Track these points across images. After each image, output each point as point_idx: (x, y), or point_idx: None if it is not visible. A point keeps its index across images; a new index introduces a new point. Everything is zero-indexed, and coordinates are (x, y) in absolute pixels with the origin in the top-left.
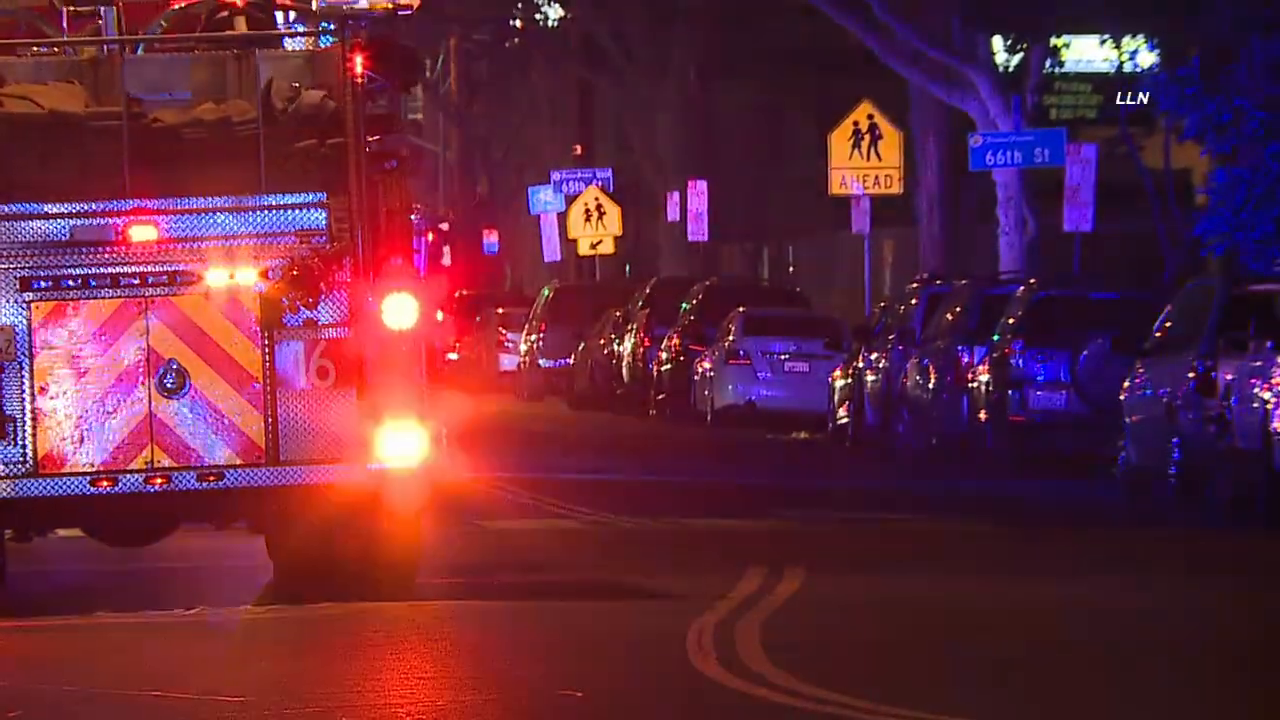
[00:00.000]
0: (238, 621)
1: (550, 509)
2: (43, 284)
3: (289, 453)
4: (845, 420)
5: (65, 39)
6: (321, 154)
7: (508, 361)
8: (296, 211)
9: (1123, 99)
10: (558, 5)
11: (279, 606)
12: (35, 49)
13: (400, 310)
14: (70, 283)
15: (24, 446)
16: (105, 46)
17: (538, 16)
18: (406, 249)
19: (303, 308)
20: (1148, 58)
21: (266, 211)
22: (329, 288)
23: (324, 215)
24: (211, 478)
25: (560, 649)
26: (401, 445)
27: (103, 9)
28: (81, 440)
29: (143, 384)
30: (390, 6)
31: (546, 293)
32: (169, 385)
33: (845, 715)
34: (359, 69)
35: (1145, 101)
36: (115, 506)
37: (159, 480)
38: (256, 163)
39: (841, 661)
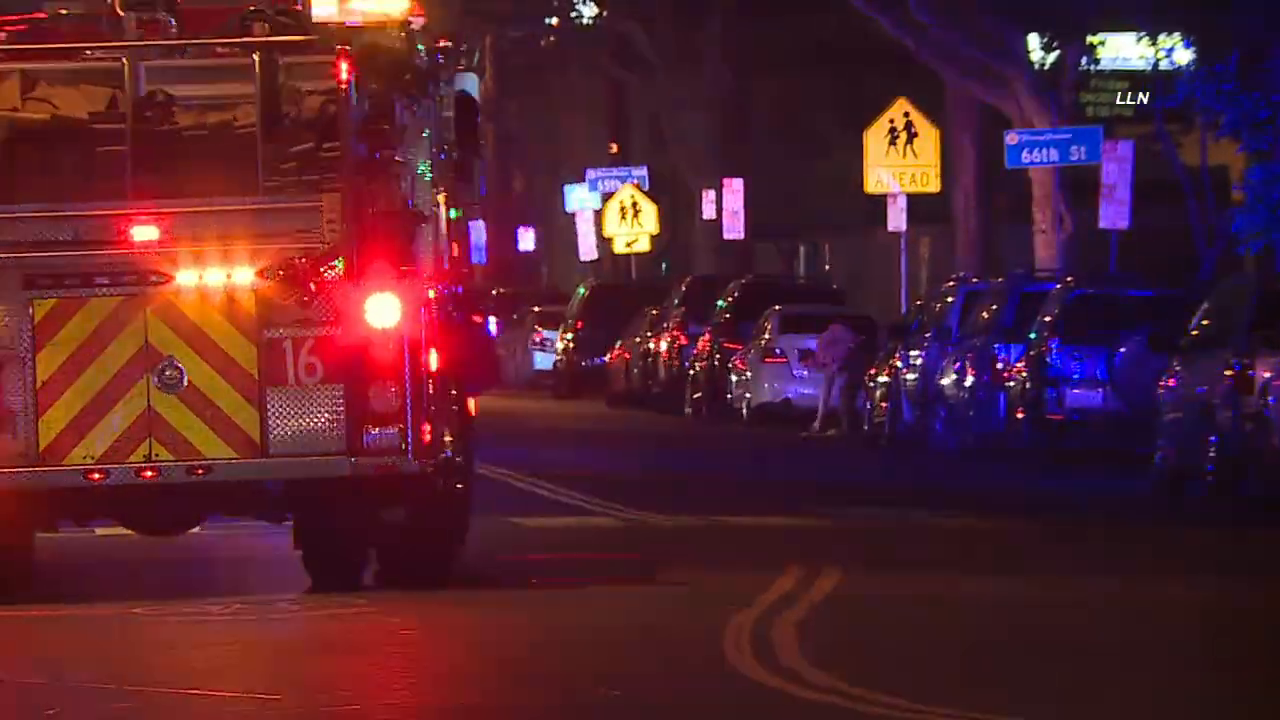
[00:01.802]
0: (273, 616)
1: (586, 506)
2: (46, 282)
3: (278, 446)
4: (882, 419)
5: (87, 45)
6: (318, 157)
7: (543, 360)
8: (292, 213)
9: (1158, 96)
10: (593, 3)
11: (313, 601)
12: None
13: (383, 309)
14: (72, 281)
15: (26, 440)
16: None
17: (573, 14)
18: (394, 250)
19: (294, 306)
20: (1184, 55)
21: (263, 213)
22: (320, 287)
23: (318, 217)
24: (200, 470)
25: (597, 647)
26: (387, 440)
27: (169, 17)
28: (82, 434)
29: (142, 380)
30: (391, 18)
31: (582, 291)
32: (167, 381)
33: (882, 714)
34: (345, 75)
35: (1181, 99)
36: (117, 498)
37: (149, 472)
38: (255, 165)
39: (878, 659)
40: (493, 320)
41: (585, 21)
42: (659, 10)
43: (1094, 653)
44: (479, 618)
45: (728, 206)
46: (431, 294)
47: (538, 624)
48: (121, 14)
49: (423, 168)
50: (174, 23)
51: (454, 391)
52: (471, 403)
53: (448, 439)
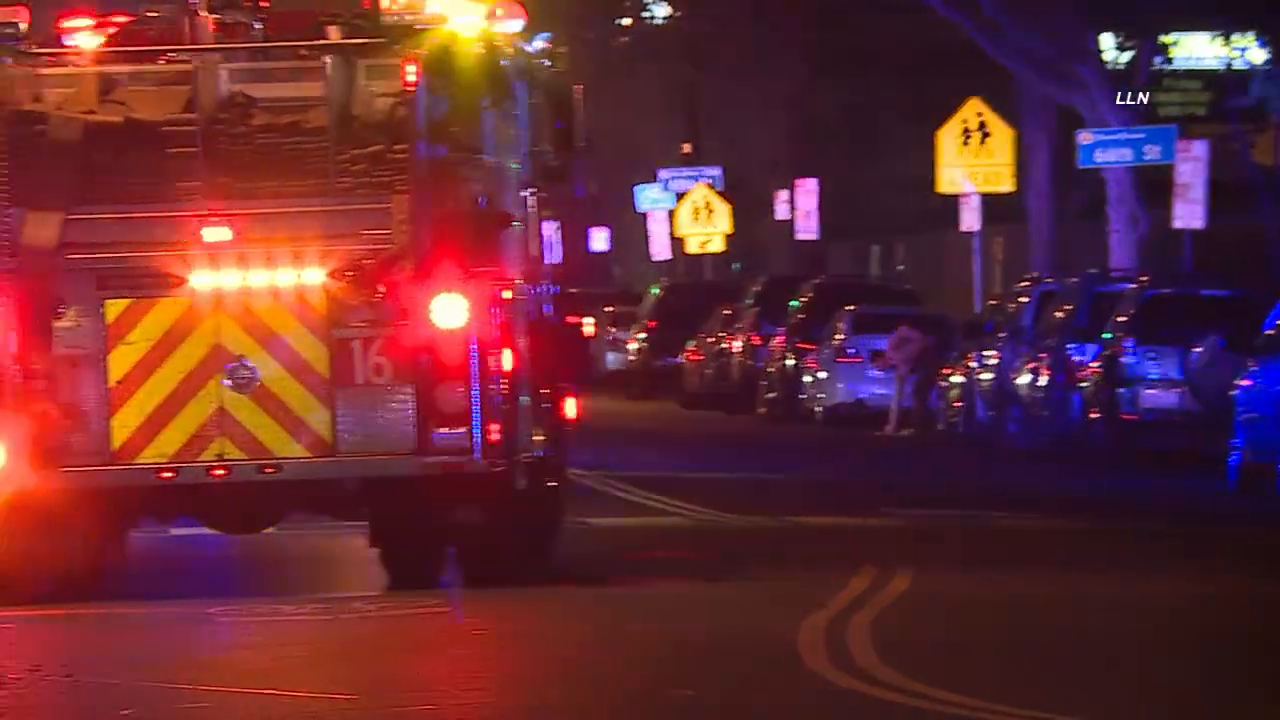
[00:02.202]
0: (347, 616)
1: (660, 507)
2: (118, 283)
3: (347, 446)
4: (956, 419)
5: (161, 48)
6: (389, 159)
7: (614, 360)
8: (362, 214)
9: (1232, 96)
10: (665, 4)
11: (387, 601)
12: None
13: (450, 309)
14: (145, 282)
15: (99, 439)
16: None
17: (645, 15)
18: (462, 251)
19: (364, 307)
20: (1258, 54)
21: (334, 214)
22: (388, 288)
23: (387, 218)
24: (270, 469)
25: (670, 647)
26: (453, 439)
27: (254, 20)
28: (154, 433)
29: (213, 379)
30: (464, 20)
31: (655, 291)
32: (239, 381)
33: (957, 714)
34: (412, 77)
35: (1255, 98)
36: (191, 496)
37: (220, 471)
38: (326, 167)
39: (953, 660)
40: (589, 321)
41: (658, 22)
42: (733, 11)
43: (1171, 653)
44: (552, 618)
45: (801, 207)
46: (510, 294)
47: (610, 624)
48: (205, 16)
49: (511, 168)
50: (257, 26)
51: (544, 391)
52: (571, 403)
53: (538, 439)
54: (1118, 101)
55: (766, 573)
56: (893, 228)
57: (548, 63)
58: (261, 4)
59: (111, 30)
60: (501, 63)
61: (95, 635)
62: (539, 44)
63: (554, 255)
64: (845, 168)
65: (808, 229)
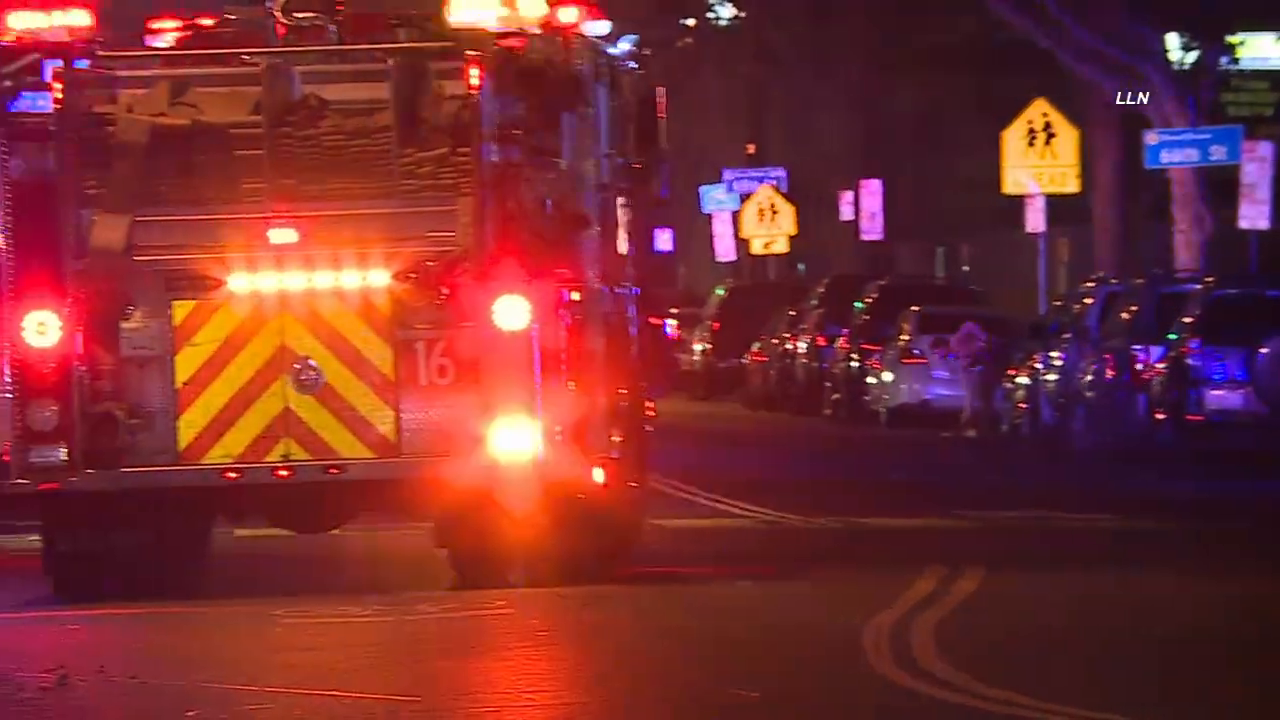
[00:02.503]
0: (411, 617)
1: (724, 508)
2: (186, 284)
3: (409, 446)
4: (1021, 419)
5: (229, 50)
6: (454, 162)
7: (679, 361)
8: (426, 217)
9: None
10: (730, 5)
11: (452, 601)
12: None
13: (512, 311)
14: (212, 283)
15: (166, 439)
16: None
17: (709, 15)
18: (525, 253)
19: (427, 308)
20: None
21: (398, 216)
22: (451, 290)
23: (451, 221)
24: (335, 470)
25: (734, 648)
26: (514, 440)
27: (330, 25)
28: (221, 434)
29: (279, 380)
30: (531, 23)
31: (720, 292)
32: (304, 381)
33: (1024, 716)
34: (475, 80)
35: None
36: (257, 496)
37: (283, 472)
38: (392, 170)
39: (1020, 662)
40: (671, 323)
41: (722, 23)
42: (798, 11)
43: (1238, 654)
44: (617, 618)
45: (865, 208)
46: (578, 295)
47: (675, 624)
48: (276, 19)
49: (588, 170)
50: (332, 29)
51: (623, 391)
52: (650, 404)
53: (616, 439)
54: (1183, 102)
55: (832, 574)
56: (958, 228)
57: (632, 65)
58: (337, 6)
59: (187, 33)
60: (575, 66)
61: (161, 636)
62: (624, 47)
63: (638, 257)
64: (911, 168)
65: (872, 230)
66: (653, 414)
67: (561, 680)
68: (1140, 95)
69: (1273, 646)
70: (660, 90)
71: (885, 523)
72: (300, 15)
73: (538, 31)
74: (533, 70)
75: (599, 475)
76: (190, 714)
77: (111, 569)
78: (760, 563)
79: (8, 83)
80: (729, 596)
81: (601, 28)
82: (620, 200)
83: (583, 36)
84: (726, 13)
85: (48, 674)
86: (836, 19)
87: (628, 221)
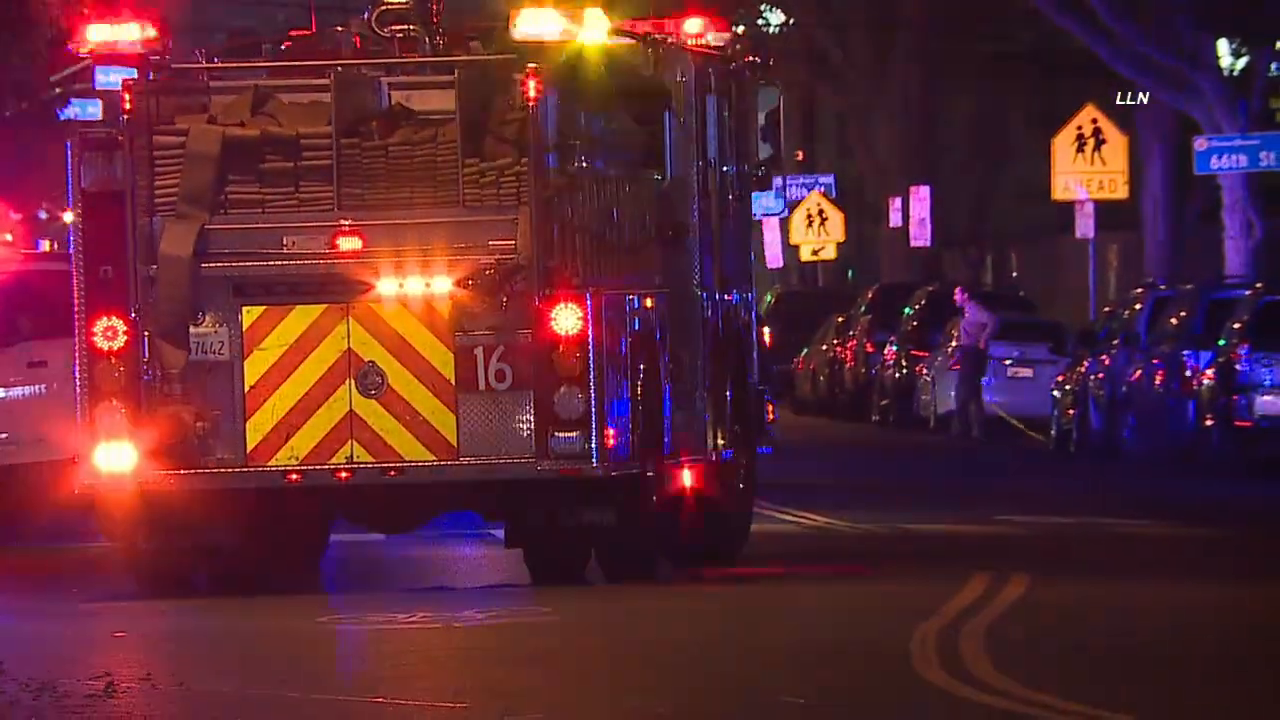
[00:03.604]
0: (458, 625)
1: (772, 513)
2: (254, 290)
3: (469, 449)
4: (1070, 425)
5: (299, 63)
6: (516, 172)
7: None
8: (488, 225)
9: None
10: (780, 11)
11: (499, 610)
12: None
13: (568, 317)
14: (280, 289)
15: (235, 442)
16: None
17: (760, 22)
18: (582, 261)
19: (487, 314)
20: None
21: (461, 225)
22: (511, 297)
23: (512, 229)
24: (393, 472)
25: (781, 654)
26: (570, 444)
27: (426, 37)
28: (287, 436)
29: (344, 384)
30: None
31: (769, 298)
32: (368, 385)
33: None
34: (533, 92)
35: None
36: (347, 498)
37: (344, 474)
38: (456, 179)
39: (1068, 668)
40: (766, 331)
41: (772, 29)
42: (850, 19)
43: None
44: (663, 626)
45: (914, 214)
46: (651, 302)
47: (721, 632)
48: (349, 32)
49: (691, 179)
50: (428, 41)
51: (729, 396)
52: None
53: (720, 442)
54: (1233, 108)
55: (879, 579)
56: (1008, 236)
57: (750, 75)
58: (433, 20)
59: (263, 47)
60: (661, 77)
61: (207, 641)
62: (734, 46)
63: (746, 261)
64: (962, 175)
65: (921, 236)
66: (772, 418)
67: (607, 687)
68: (1190, 100)
69: None
70: (779, 99)
71: (933, 528)
72: (394, 29)
73: (603, 43)
74: (596, 80)
75: (688, 478)
76: None
77: (196, 566)
78: (808, 568)
79: (58, 90)
80: (776, 602)
81: (720, 38)
82: (735, 207)
83: (680, 47)
84: (777, 19)
85: (94, 681)
86: (894, 28)
87: (743, 228)
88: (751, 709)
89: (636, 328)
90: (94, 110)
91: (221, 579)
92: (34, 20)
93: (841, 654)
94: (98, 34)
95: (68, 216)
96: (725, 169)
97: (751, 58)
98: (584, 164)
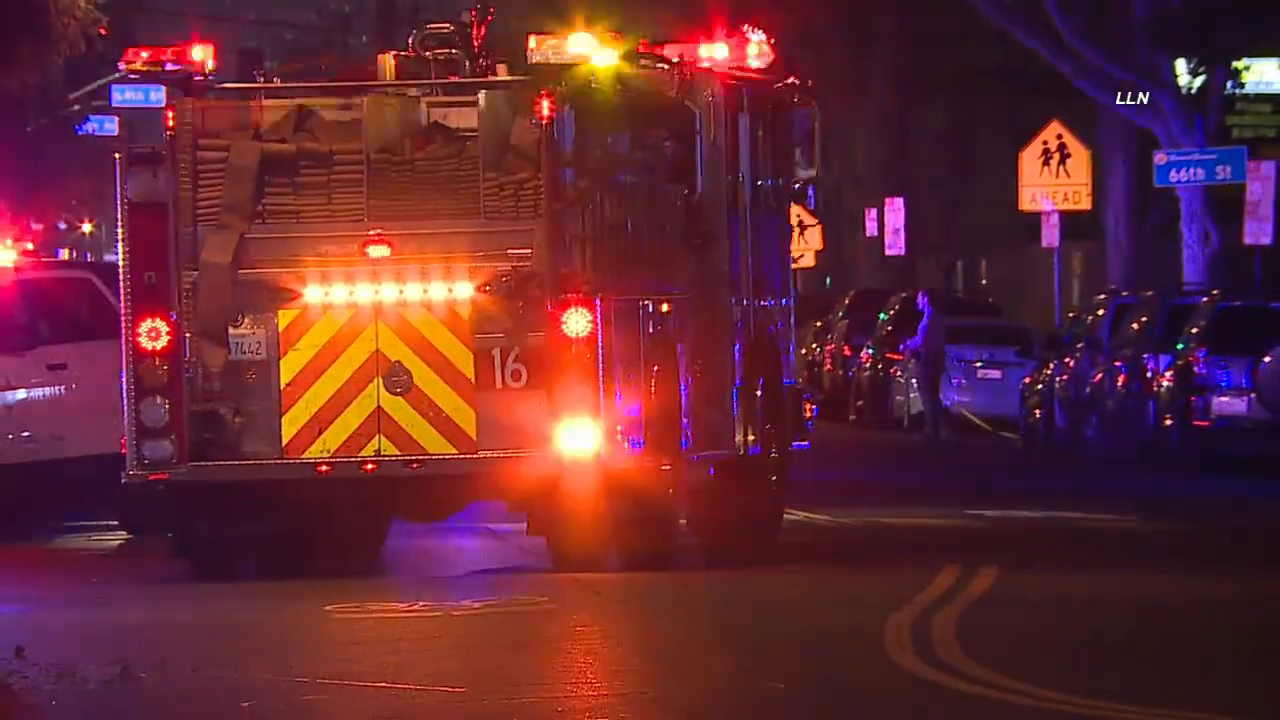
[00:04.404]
0: (457, 614)
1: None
2: (290, 294)
3: (486, 442)
4: (1037, 425)
5: (332, 84)
6: (534, 186)
7: None
8: (506, 235)
9: None
10: (760, 31)
11: (496, 599)
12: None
13: (577, 321)
14: (315, 293)
15: (271, 436)
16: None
17: None
18: (592, 269)
19: (503, 318)
20: None
21: (481, 235)
22: (526, 301)
23: (528, 239)
24: (415, 465)
25: (761, 642)
26: (579, 438)
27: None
28: (320, 431)
29: (373, 382)
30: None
31: None
32: (395, 383)
33: (1042, 708)
34: (546, 111)
35: None
36: (384, 490)
37: (370, 466)
38: (477, 192)
39: (1037, 656)
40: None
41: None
42: (831, 41)
43: (1245, 643)
44: (651, 615)
45: (889, 224)
46: (667, 307)
47: (704, 621)
48: (424, 54)
49: (720, 193)
50: (468, 64)
51: (758, 394)
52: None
53: (749, 438)
54: (1190, 124)
55: (854, 571)
56: (978, 245)
57: (786, 95)
58: (475, 45)
59: (305, 69)
60: (683, 98)
61: (220, 629)
62: (791, 79)
63: (776, 268)
64: (936, 186)
65: (895, 245)
66: (810, 416)
67: (598, 672)
68: (1149, 116)
69: (1273, 638)
70: (816, 116)
71: (906, 522)
72: (437, 51)
73: (617, 66)
74: (609, 100)
75: (710, 471)
76: (245, 705)
77: (245, 554)
78: (786, 559)
79: (76, 107)
80: (755, 592)
81: (763, 60)
82: (771, 220)
83: (710, 71)
84: (757, 37)
85: (111, 667)
86: (870, 48)
87: (778, 239)
88: (734, 693)
89: (651, 330)
90: (111, 126)
91: (270, 567)
92: (53, 37)
93: (817, 641)
94: (149, 54)
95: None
96: (760, 183)
97: (791, 80)
98: (598, 178)
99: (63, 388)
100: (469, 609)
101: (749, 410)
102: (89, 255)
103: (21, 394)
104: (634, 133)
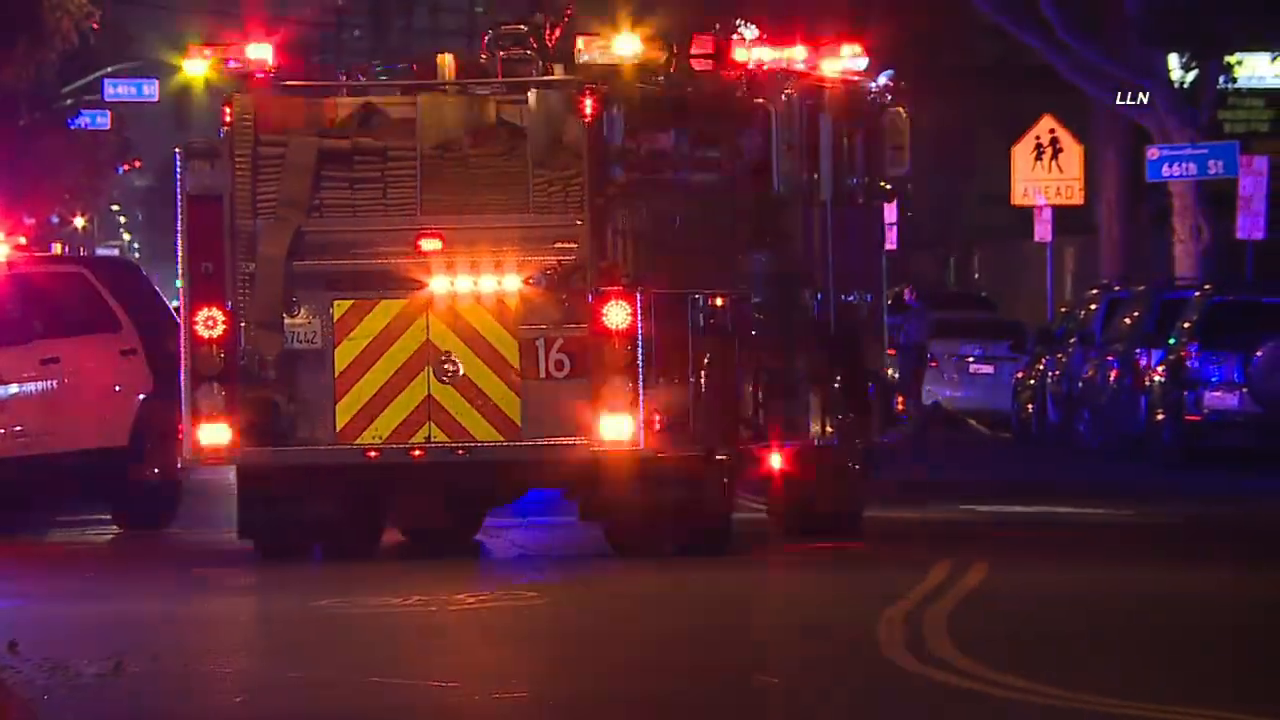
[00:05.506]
0: (451, 609)
1: (743, 503)
2: (345, 285)
3: (530, 431)
4: (1029, 419)
5: (389, 83)
6: (580, 182)
7: None
8: (552, 229)
9: None
10: (755, 27)
11: (488, 595)
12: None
13: (618, 313)
14: (367, 284)
15: (326, 422)
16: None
17: (735, 37)
18: (633, 262)
19: (548, 309)
20: None
21: (529, 229)
22: (570, 294)
23: (573, 233)
24: (461, 451)
25: (756, 636)
26: (618, 427)
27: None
28: (373, 418)
29: (423, 371)
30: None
31: None
32: (445, 372)
33: (1035, 701)
34: (589, 110)
35: None
36: (434, 476)
37: (418, 452)
38: (526, 188)
39: (1029, 650)
40: None
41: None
42: (823, 35)
43: (1233, 633)
44: (643, 610)
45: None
46: (721, 301)
47: (696, 616)
48: (497, 55)
49: (795, 190)
50: (541, 64)
51: (834, 385)
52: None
53: (827, 430)
54: (1183, 119)
55: (846, 566)
56: (971, 239)
57: (875, 96)
58: (549, 44)
59: (374, 68)
60: (739, 98)
61: (212, 624)
62: (882, 79)
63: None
64: (929, 180)
65: (889, 239)
66: (901, 409)
67: (590, 669)
68: (1142, 111)
69: (1266, 629)
70: (904, 117)
71: (898, 516)
72: (512, 51)
73: (665, 65)
74: (652, 99)
75: (778, 460)
76: (238, 699)
77: (306, 536)
78: (776, 554)
79: (69, 101)
80: (746, 588)
81: (860, 63)
82: (858, 217)
83: (786, 72)
84: (751, 34)
85: (105, 662)
86: (863, 42)
87: (864, 235)
88: (728, 688)
89: (703, 323)
90: (103, 120)
91: (335, 552)
92: (47, 31)
93: (811, 636)
94: (208, 53)
95: (78, 221)
96: (846, 181)
97: (882, 83)
98: (645, 174)
99: (55, 382)
100: (462, 605)
101: (826, 402)
102: (82, 249)
103: (14, 388)
104: (696, 130)
